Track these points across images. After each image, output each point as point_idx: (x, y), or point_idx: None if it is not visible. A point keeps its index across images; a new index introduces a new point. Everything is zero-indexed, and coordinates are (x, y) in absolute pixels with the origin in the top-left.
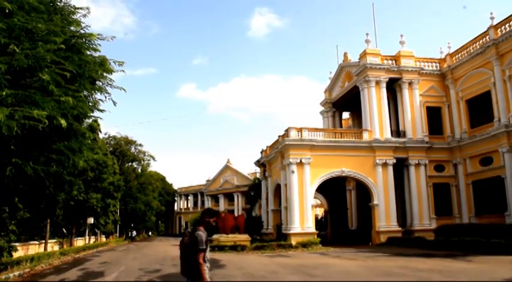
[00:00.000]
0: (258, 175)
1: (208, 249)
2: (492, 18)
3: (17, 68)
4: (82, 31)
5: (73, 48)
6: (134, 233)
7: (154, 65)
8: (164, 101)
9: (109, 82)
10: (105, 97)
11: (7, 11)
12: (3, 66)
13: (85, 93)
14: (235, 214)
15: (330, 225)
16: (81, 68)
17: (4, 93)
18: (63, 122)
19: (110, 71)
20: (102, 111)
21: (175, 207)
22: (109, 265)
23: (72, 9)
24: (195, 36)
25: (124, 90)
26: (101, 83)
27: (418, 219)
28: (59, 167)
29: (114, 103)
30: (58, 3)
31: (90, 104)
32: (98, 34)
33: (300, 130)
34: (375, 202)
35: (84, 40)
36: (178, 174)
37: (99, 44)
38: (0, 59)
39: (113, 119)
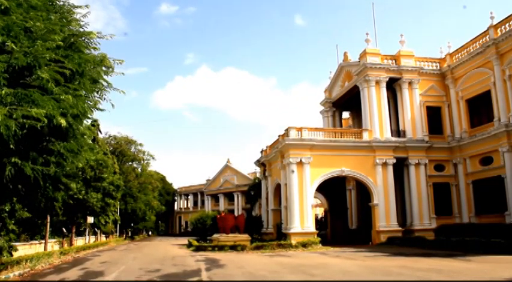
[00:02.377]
0: (258, 175)
1: None
2: (492, 17)
3: (16, 67)
4: (81, 29)
5: (72, 46)
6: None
7: (145, 64)
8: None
9: (108, 83)
10: (104, 98)
11: (3, 7)
12: (2, 65)
13: (84, 92)
14: (235, 214)
15: (330, 225)
16: (80, 67)
17: (3, 92)
18: (62, 121)
19: (110, 67)
20: (101, 110)
21: (176, 207)
22: (109, 265)
23: (71, 8)
24: (189, 36)
25: (123, 92)
26: (100, 85)
27: (418, 218)
28: (57, 168)
29: (113, 105)
30: (57, 2)
31: (90, 103)
32: (98, 32)
33: (300, 130)
34: (375, 202)
35: (83, 39)
36: (178, 174)
37: (98, 43)
38: (0, 58)
39: (114, 118)
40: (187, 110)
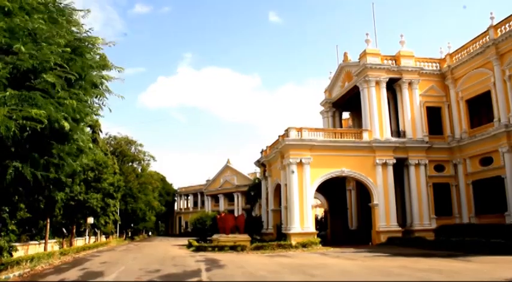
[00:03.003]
0: (258, 175)
1: None
2: (492, 18)
3: (21, 69)
4: (85, 34)
5: (76, 51)
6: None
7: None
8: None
9: (106, 88)
10: (103, 103)
11: (6, 9)
12: (8, 67)
13: (85, 96)
14: (235, 214)
15: (330, 225)
16: (83, 71)
17: (8, 93)
18: (66, 124)
19: (111, 69)
20: (100, 115)
21: (176, 207)
22: (109, 265)
23: (72, 11)
24: (186, 36)
25: (122, 97)
26: (100, 90)
27: (418, 219)
28: (57, 171)
29: (110, 110)
30: (58, 4)
31: (89, 108)
32: (102, 39)
33: (299, 130)
34: (375, 202)
35: (86, 44)
36: (178, 174)
37: (101, 48)
38: (7, 59)
39: (113, 118)
40: (175, 110)
